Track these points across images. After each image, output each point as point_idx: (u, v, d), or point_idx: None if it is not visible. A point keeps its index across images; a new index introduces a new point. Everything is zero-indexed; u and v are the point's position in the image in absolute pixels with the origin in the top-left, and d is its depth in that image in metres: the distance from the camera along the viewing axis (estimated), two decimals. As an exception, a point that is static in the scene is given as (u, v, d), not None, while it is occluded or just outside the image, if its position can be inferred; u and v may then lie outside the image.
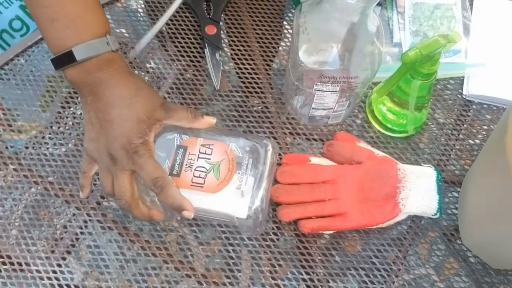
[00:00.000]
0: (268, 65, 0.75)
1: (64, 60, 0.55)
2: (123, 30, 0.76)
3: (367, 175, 0.64)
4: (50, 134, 0.68)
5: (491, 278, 0.63)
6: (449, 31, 0.75)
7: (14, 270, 0.60)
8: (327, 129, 0.70)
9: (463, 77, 0.75)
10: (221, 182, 0.59)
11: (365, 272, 0.62)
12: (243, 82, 0.73)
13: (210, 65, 0.72)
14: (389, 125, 0.69)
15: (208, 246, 0.63)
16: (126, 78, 0.57)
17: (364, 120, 0.71)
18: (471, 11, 0.78)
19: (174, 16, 0.77)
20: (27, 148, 0.67)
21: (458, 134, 0.72)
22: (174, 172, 0.59)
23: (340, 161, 0.66)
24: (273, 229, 0.64)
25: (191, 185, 0.58)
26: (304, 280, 0.62)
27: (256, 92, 0.72)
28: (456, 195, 0.67)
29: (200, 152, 0.60)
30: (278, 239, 0.63)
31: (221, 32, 0.76)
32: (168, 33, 0.76)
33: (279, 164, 0.66)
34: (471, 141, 0.71)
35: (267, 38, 0.77)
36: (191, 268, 0.62)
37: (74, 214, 0.64)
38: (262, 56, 0.75)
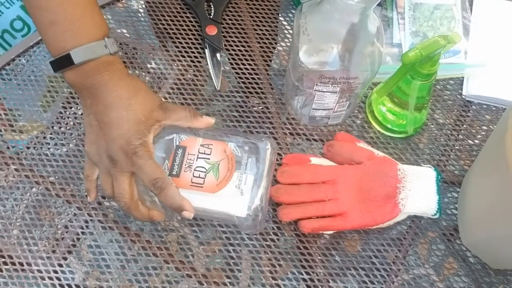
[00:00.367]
0: (268, 65, 0.75)
1: (62, 63, 0.55)
2: (124, 31, 0.76)
3: (367, 175, 0.64)
4: (51, 134, 0.68)
5: (490, 278, 0.63)
6: (449, 32, 0.75)
7: (16, 270, 0.61)
8: (327, 130, 0.70)
9: (463, 77, 0.75)
10: (221, 181, 0.59)
11: (365, 272, 0.63)
12: (244, 83, 0.73)
13: (210, 65, 0.73)
14: (389, 126, 0.69)
15: (208, 246, 0.63)
16: (124, 80, 0.57)
17: (364, 121, 0.71)
18: (471, 12, 0.78)
19: (175, 16, 0.77)
20: (28, 148, 0.67)
21: (458, 135, 0.72)
22: (174, 173, 0.59)
23: (340, 161, 0.66)
24: (273, 229, 0.64)
25: (191, 185, 0.59)
26: (304, 280, 0.62)
27: (257, 93, 0.72)
28: (456, 195, 0.67)
29: (199, 152, 0.60)
30: (278, 239, 0.64)
31: (222, 32, 0.76)
32: (169, 33, 0.76)
33: (279, 164, 0.66)
34: (470, 142, 0.71)
35: (267, 39, 0.77)
36: (192, 268, 0.62)
37: (75, 214, 0.64)
38: (262, 56, 0.75)
